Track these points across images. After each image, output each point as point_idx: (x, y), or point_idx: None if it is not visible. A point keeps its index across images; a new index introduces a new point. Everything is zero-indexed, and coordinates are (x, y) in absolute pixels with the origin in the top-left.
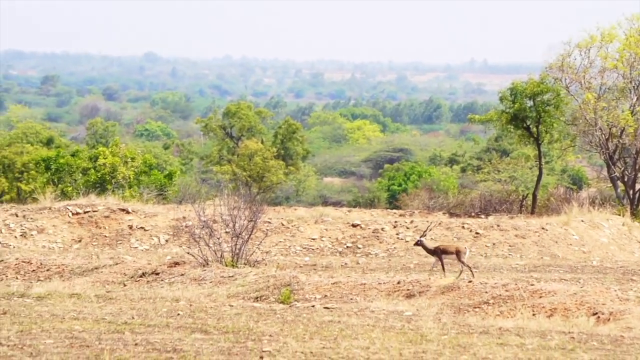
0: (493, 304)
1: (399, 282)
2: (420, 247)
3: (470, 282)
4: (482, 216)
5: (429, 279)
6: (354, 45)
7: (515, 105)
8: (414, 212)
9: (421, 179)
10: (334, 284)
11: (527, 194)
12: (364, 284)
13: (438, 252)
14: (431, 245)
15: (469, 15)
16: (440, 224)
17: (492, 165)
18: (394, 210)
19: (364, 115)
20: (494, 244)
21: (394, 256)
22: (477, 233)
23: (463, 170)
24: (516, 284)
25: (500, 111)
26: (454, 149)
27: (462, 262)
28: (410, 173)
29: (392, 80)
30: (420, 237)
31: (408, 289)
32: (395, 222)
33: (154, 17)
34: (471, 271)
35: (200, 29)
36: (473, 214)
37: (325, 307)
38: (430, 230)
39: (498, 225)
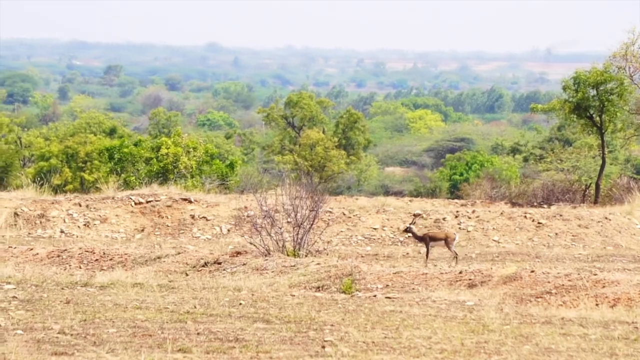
0: (556, 293)
1: (460, 272)
2: (409, 234)
3: (532, 271)
4: (545, 206)
5: (491, 268)
6: (416, 34)
7: (579, 95)
8: (475, 202)
9: (483, 168)
10: (395, 273)
11: (590, 184)
12: (426, 273)
13: (426, 239)
14: (420, 232)
15: (532, 3)
16: (424, 214)
17: (555, 154)
18: (456, 200)
19: (426, 104)
20: (556, 233)
21: (456, 246)
22: (539, 223)
23: (525, 159)
24: (579, 274)
25: (563, 100)
26: (516, 138)
27: (450, 249)
28: (472, 162)
29: (454, 69)
30: (410, 224)
31: (470, 279)
32: (457, 212)
33: (216, 7)
34: (456, 259)
35: (263, 18)
36: (535, 204)
37: (386, 297)
38: (422, 217)
39: (561, 215)
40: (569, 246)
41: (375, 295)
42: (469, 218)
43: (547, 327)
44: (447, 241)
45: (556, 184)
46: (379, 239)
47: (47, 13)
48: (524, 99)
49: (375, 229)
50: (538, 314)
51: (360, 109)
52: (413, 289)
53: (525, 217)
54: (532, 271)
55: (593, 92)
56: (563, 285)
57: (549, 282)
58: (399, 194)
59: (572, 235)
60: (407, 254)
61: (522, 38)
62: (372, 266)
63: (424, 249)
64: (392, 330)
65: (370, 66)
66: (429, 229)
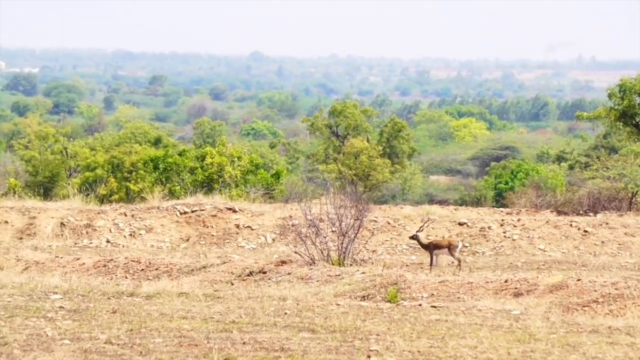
0: (602, 302)
1: (506, 281)
2: (415, 241)
3: (579, 280)
4: (591, 214)
5: (537, 277)
6: (461, 43)
7: (624, 102)
8: (521, 211)
9: (528, 176)
10: (440, 282)
11: (637, 192)
12: (471, 282)
13: (430, 247)
14: (425, 240)
15: (576, 12)
16: (434, 220)
17: (601, 162)
18: (501, 209)
19: (470, 113)
20: (602, 242)
21: (501, 254)
22: (585, 231)
23: (571, 167)
24: (626, 282)
25: (609, 108)
26: (562, 146)
27: (453, 256)
28: (517, 171)
29: (499, 77)
30: (417, 231)
31: (516, 288)
32: (502, 220)
33: (260, 17)
34: (459, 265)
35: (307, 27)
36: (581, 212)
37: (432, 306)
38: (427, 226)
39: (607, 223)
40: (616, 254)
41: (420, 305)
42: (515, 226)
43: (594, 336)
44: (450, 249)
45: (602, 192)
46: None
47: (93, 23)
48: (569, 106)
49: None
50: (585, 323)
51: (404, 117)
52: (458, 297)
53: (571, 225)
54: (579, 280)
55: (639, 100)
56: (610, 293)
57: (595, 290)
58: (443, 202)
59: (619, 244)
60: (452, 262)
61: (566, 46)
62: (417, 275)
63: (429, 258)
64: (437, 339)
65: (414, 75)
66: (434, 237)
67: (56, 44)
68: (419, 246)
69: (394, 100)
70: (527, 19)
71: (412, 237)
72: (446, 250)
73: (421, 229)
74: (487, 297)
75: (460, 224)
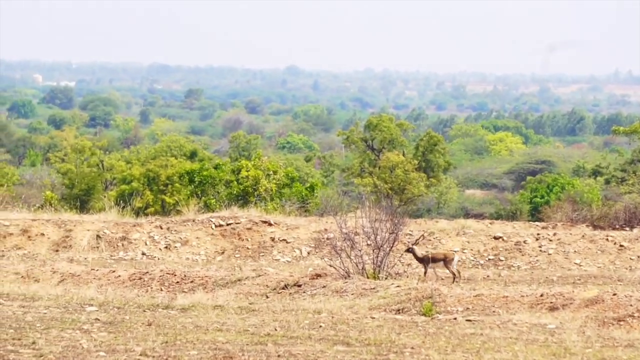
0: (638, 317)
1: (541, 295)
2: (410, 254)
3: (614, 295)
4: (627, 229)
5: (573, 291)
6: (496, 57)
7: None
8: (556, 225)
9: (564, 191)
10: (476, 296)
11: None
12: (506, 296)
13: (426, 260)
14: (421, 253)
15: (613, 26)
16: (429, 234)
17: (637, 177)
18: (537, 223)
19: (506, 127)
20: (638, 256)
21: (537, 269)
22: (621, 245)
23: (607, 182)
24: None
25: None
26: (598, 160)
27: (449, 269)
28: (553, 185)
29: (535, 92)
30: (412, 244)
31: (551, 302)
32: (538, 234)
33: (296, 31)
34: (456, 278)
35: (342, 42)
36: (617, 227)
37: (467, 320)
38: (423, 239)
39: None
40: None
41: (455, 318)
42: (550, 241)
43: (630, 350)
44: (445, 262)
45: (638, 207)
46: (459, 261)
47: (129, 37)
48: (606, 121)
49: (455, 251)
50: (620, 337)
51: (440, 131)
52: (494, 311)
53: (607, 239)
54: (614, 294)
55: None
56: None
57: (631, 305)
58: (479, 216)
59: None
60: (488, 276)
61: (603, 60)
62: (452, 289)
63: (423, 270)
64: (472, 353)
65: (450, 89)
66: (429, 250)
67: (93, 57)
68: (415, 259)
69: (430, 114)
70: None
71: (407, 251)
72: (442, 263)
73: (417, 242)
74: (523, 311)
75: (496, 238)
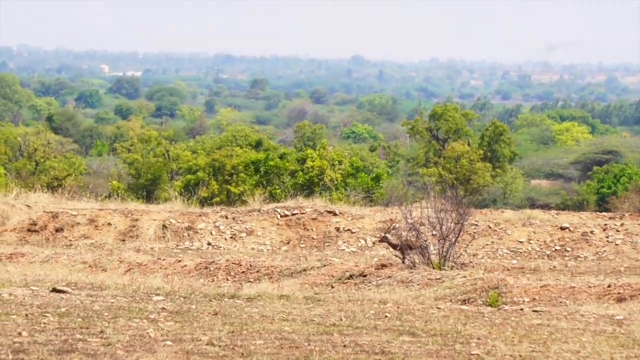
0: None
1: (609, 286)
2: (385, 243)
3: None
4: None
5: None
6: (563, 46)
7: None
8: (624, 215)
9: (631, 181)
10: (542, 287)
11: None
12: (573, 287)
13: (403, 248)
14: (396, 240)
15: None
16: (396, 223)
17: None
18: (604, 213)
19: (572, 117)
20: None
21: (604, 259)
22: None
23: None
24: None
25: None
26: None
27: (426, 257)
28: (620, 175)
29: (602, 81)
30: (385, 233)
31: (619, 293)
32: (605, 225)
33: (361, 20)
34: (414, 265)
35: (407, 31)
36: None
37: (533, 310)
38: (394, 227)
39: None
40: None
41: (522, 309)
42: (617, 231)
43: None
44: (421, 248)
45: None
46: (525, 252)
47: (195, 27)
48: None
49: (521, 242)
50: None
51: (505, 121)
52: (560, 302)
53: None
54: None
55: None
56: None
57: None
58: (545, 207)
59: None
60: (554, 267)
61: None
62: (518, 279)
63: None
64: (539, 344)
65: (516, 78)
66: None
67: (159, 47)
68: (391, 248)
69: (495, 104)
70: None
71: (381, 240)
72: (418, 250)
73: (389, 230)
74: (590, 302)
75: (562, 229)
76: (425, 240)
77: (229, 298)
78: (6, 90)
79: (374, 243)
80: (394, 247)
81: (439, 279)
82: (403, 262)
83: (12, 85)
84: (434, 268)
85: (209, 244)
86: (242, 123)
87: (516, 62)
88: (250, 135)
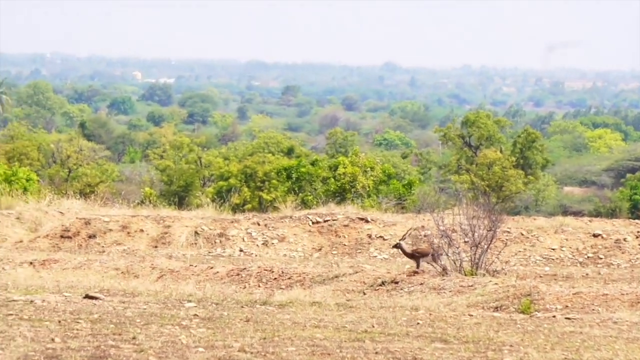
0: None
1: None
2: (398, 250)
3: None
4: None
5: None
6: (596, 53)
7: None
8: None
9: None
10: (575, 294)
11: None
12: (606, 294)
13: (416, 255)
14: (409, 248)
15: None
16: (416, 229)
17: None
18: (637, 220)
19: (605, 124)
20: None
21: (637, 267)
22: None
23: None
24: None
25: None
26: None
27: (438, 264)
28: None
29: (635, 88)
30: (400, 240)
31: None
32: (638, 232)
33: (394, 27)
34: (445, 272)
35: (440, 38)
36: None
37: (566, 318)
38: (410, 235)
39: None
40: None
41: (554, 316)
42: None
43: None
44: (434, 256)
45: None
46: (557, 259)
47: (227, 34)
48: None
49: (553, 249)
50: None
51: (538, 128)
52: (593, 309)
53: None
54: None
55: None
56: None
57: None
58: (577, 214)
59: None
60: (587, 274)
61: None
62: (550, 286)
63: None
64: (572, 351)
65: (549, 85)
66: (417, 245)
67: (191, 54)
68: (404, 255)
69: (528, 111)
70: None
71: (395, 246)
72: (430, 258)
73: (404, 237)
74: (623, 309)
75: (595, 236)
76: (457, 247)
77: (260, 305)
78: (39, 97)
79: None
80: (408, 255)
81: (471, 286)
82: (418, 268)
83: (45, 92)
84: (466, 275)
85: (240, 250)
86: (274, 130)
87: (549, 68)
88: (282, 142)
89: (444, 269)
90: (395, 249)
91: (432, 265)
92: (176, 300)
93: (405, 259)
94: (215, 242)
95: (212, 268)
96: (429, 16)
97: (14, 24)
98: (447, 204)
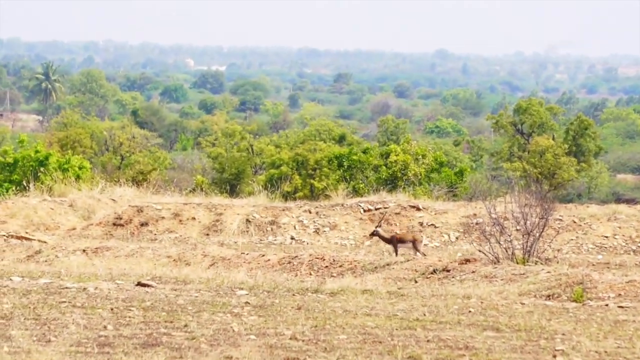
0: None
1: None
2: (377, 237)
3: None
4: None
5: None
6: None
7: None
8: None
9: None
10: (628, 282)
11: None
12: None
13: (394, 241)
14: (387, 234)
15: None
16: (386, 213)
17: None
18: None
19: None
20: None
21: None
22: None
23: None
24: None
25: None
26: None
27: (418, 251)
28: None
29: None
30: (376, 227)
31: None
32: None
33: (445, 14)
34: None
35: (492, 24)
36: None
37: (619, 306)
38: (385, 220)
39: None
40: None
41: (607, 305)
42: None
43: None
44: (414, 243)
45: None
46: (610, 247)
47: (279, 22)
48: None
49: (606, 237)
50: None
51: (590, 115)
52: None
53: None
54: None
55: None
56: None
57: None
58: (631, 201)
59: None
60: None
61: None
62: (603, 275)
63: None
64: (625, 340)
65: (602, 72)
66: (397, 231)
67: (243, 41)
68: (382, 241)
69: (581, 98)
70: None
71: (372, 234)
72: (410, 244)
73: (379, 224)
74: None
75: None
76: (509, 235)
77: (312, 292)
78: (92, 85)
79: (457, 238)
80: (385, 240)
81: (523, 274)
82: (396, 255)
83: (98, 80)
84: (518, 263)
85: (292, 238)
86: (326, 117)
87: (602, 55)
88: (333, 129)
89: (496, 257)
90: (373, 236)
91: (411, 252)
92: (228, 288)
93: (385, 245)
94: (266, 229)
95: (263, 256)
96: (482, 3)
97: (67, 12)
98: (499, 192)
